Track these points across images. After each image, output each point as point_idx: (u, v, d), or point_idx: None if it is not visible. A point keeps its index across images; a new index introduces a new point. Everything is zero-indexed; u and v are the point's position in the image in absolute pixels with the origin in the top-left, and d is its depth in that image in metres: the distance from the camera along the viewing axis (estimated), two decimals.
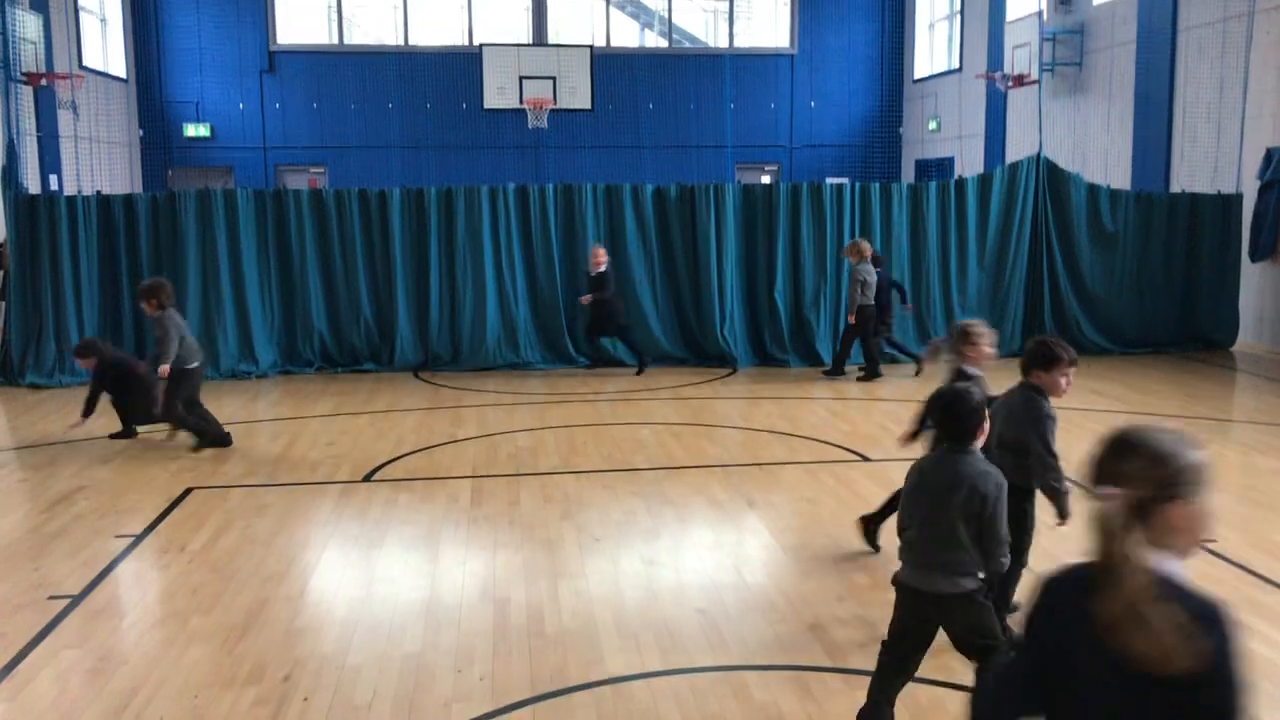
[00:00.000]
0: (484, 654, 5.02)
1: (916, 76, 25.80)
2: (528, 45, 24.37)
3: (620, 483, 7.99)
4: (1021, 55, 19.62)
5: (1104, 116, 18.44)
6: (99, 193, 13.17)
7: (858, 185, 13.77)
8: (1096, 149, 18.55)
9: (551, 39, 25.23)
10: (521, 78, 22.37)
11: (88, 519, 7.16)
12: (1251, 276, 14.40)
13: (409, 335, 13.19)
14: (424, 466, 8.55)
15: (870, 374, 12.27)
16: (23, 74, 17.35)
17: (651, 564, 6.27)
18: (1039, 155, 14.09)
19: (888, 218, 13.69)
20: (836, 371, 12.56)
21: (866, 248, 12.20)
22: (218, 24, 24.22)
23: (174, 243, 12.83)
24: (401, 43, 25.31)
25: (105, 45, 22.97)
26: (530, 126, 22.68)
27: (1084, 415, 9.85)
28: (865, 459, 8.67)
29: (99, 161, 21.32)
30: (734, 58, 26.03)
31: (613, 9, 26.08)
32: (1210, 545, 6.36)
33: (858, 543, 6.51)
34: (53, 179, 19.36)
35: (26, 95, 18.14)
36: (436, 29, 25.42)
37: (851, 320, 12.22)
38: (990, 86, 21.33)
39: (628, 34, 26.59)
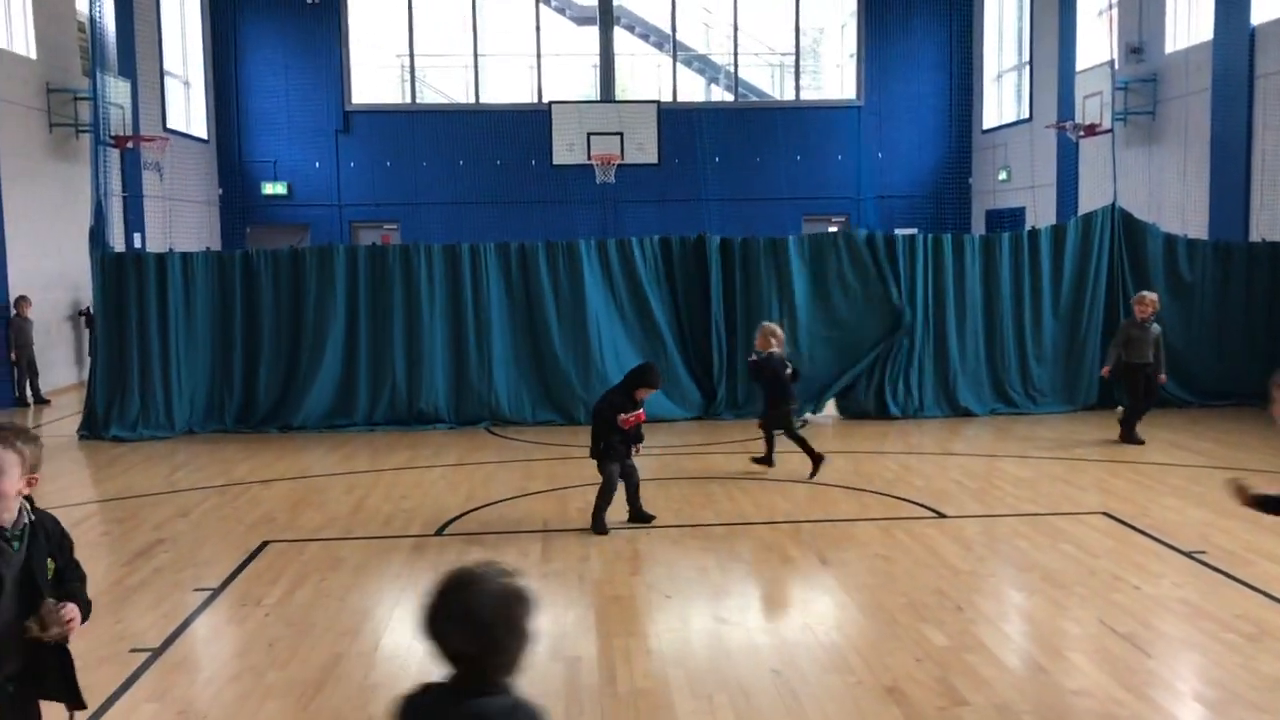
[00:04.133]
0: (556, 713, 4.98)
1: (986, 126, 25.68)
2: (595, 102, 24.72)
3: (689, 538, 7.95)
4: (1093, 104, 19.45)
5: (1179, 165, 18.16)
6: (208, 250, 13.53)
7: (930, 236, 13.68)
8: (1171, 198, 18.25)
9: (619, 95, 25.56)
10: (590, 134, 22.66)
11: (167, 572, 7.28)
12: None
13: (482, 388, 13.25)
14: (495, 520, 8.57)
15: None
16: (110, 137, 17.98)
17: (723, 622, 6.20)
18: (1114, 205, 13.90)
19: (960, 269, 13.57)
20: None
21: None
22: (295, 85, 24.93)
23: (294, 298, 13.12)
24: (472, 101, 25.81)
25: (189, 107, 23.74)
26: (598, 182, 22.93)
27: (1166, 470, 9.60)
28: (940, 515, 8.52)
29: (181, 220, 21.94)
30: (800, 110, 26.13)
31: (679, 65, 26.37)
32: None
33: (934, 601, 6.39)
34: (137, 237, 19.96)
35: (114, 157, 18.78)
36: (506, 87, 25.91)
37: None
38: (1061, 136, 21.15)
39: (694, 89, 26.85)
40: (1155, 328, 11.36)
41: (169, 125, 22.14)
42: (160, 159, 21.01)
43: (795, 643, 5.84)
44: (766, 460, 10.26)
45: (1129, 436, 11.24)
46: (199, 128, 24.26)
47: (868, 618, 6.24)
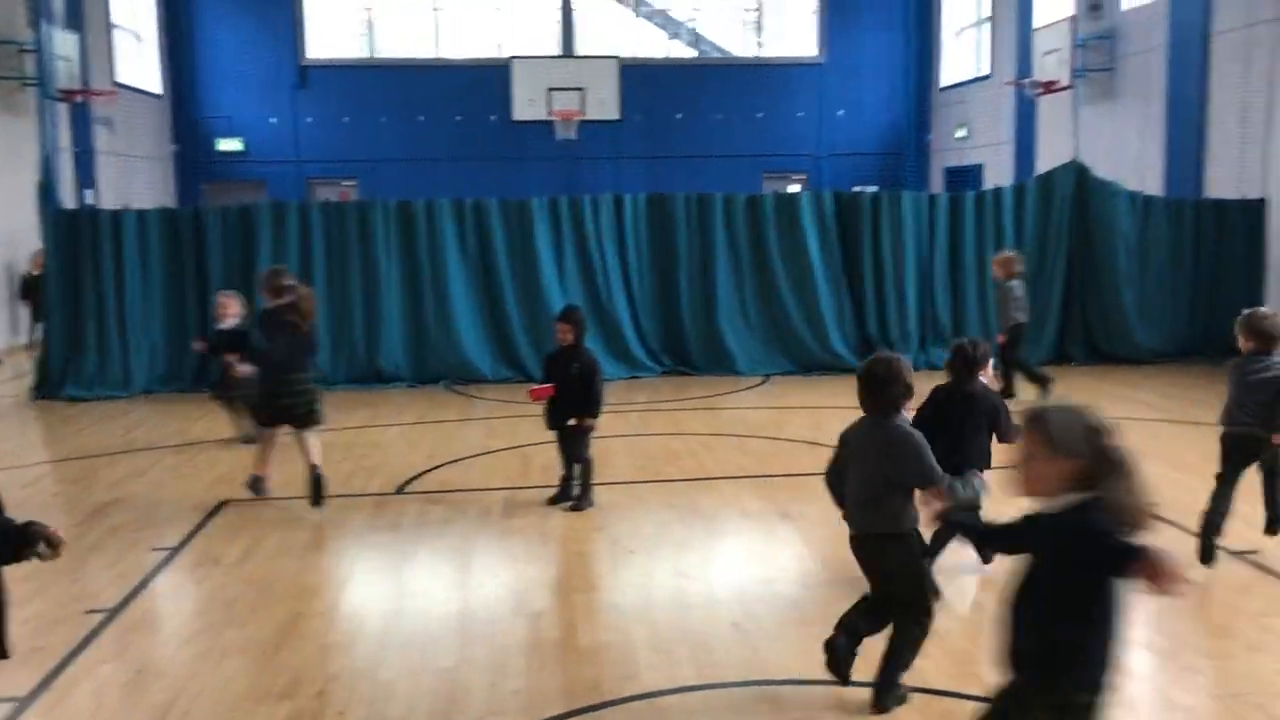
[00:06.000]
0: (518, 668, 5.01)
1: (944, 84, 25.70)
2: (556, 57, 24.48)
3: (652, 494, 7.97)
4: (1051, 61, 19.50)
5: (1137, 122, 18.28)
6: (163, 207, 13.33)
7: (908, 195, 13.76)
8: (1129, 155, 18.38)
9: (580, 50, 25.32)
10: (550, 89, 22.44)
11: (123, 532, 7.21)
12: None
13: (441, 346, 13.18)
14: (456, 478, 8.56)
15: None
16: (58, 91, 17.58)
17: (685, 577, 6.24)
18: (1074, 163, 13.98)
19: (932, 229, 13.65)
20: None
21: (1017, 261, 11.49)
22: (250, 39, 24.47)
23: (247, 257, 12.89)
24: (432, 55, 25.47)
25: (140, 61, 23.24)
26: (558, 138, 22.75)
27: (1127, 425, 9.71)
28: None
29: (134, 176, 21.56)
30: (761, 67, 26.02)
31: (640, 20, 26.14)
32: (1254, 557, 6.27)
33: None
34: (89, 194, 19.60)
35: (62, 112, 18.38)
36: (467, 41, 25.58)
37: (1002, 340, 11.27)
38: (1020, 93, 21.20)
39: (655, 44, 26.64)
40: (1010, 286, 11.21)
41: (119, 79, 21.68)
42: (111, 114, 20.60)
43: (755, 596, 5.89)
44: None
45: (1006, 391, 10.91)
46: (151, 82, 23.78)
47: (827, 570, 6.30)
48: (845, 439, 4.73)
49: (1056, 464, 2.92)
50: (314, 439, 7.75)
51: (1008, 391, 11.14)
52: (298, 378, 7.70)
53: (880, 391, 4.51)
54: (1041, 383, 11.07)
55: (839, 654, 4.55)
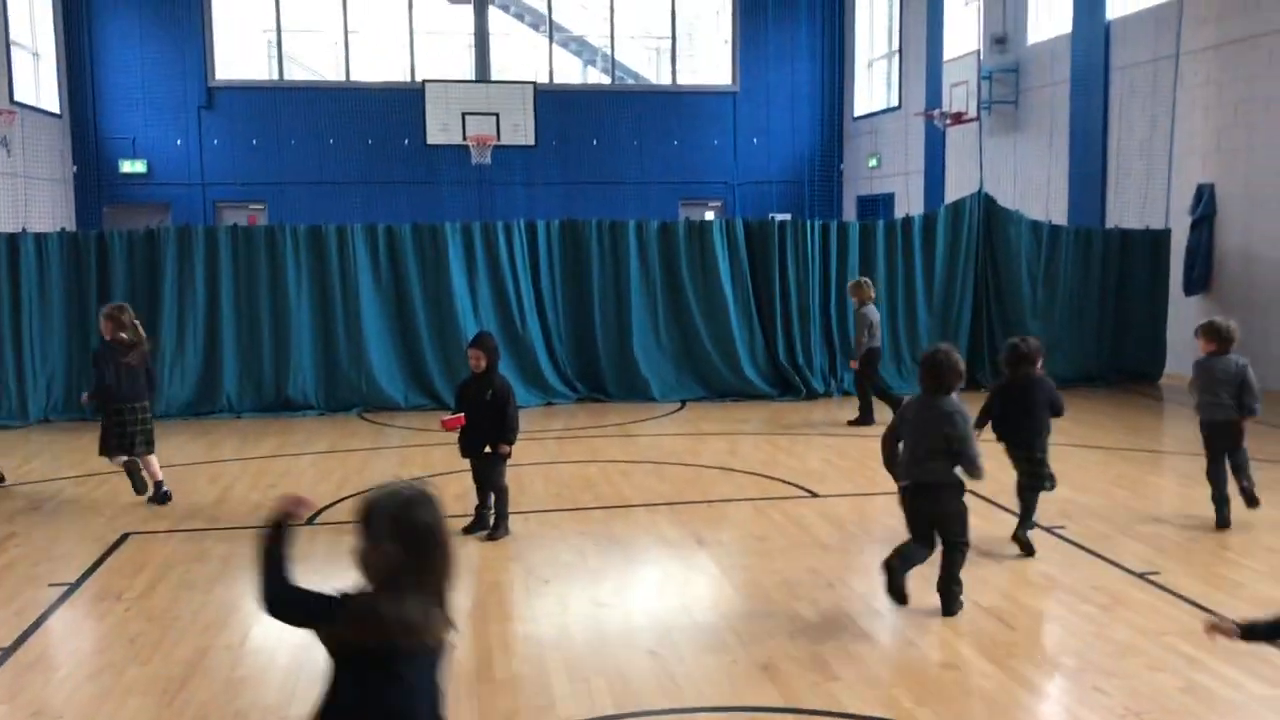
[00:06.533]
0: None
1: (857, 114, 26.17)
2: (470, 81, 24.36)
3: (568, 522, 7.92)
4: (960, 93, 19.98)
5: (1041, 154, 18.81)
6: (63, 230, 12.99)
7: (819, 224, 13.94)
8: (1034, 186, 18.90)
9: (495, 75, 25.26)
10: (464, 114, 22.32)
11: (19, 567, 6.94)
12: (1186, 308, 14.70)
13: (353, 374, 12.99)
14: None
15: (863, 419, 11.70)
16: None
17: (601, 605, 6.20)
18: (980, 192, 14.32)
19: (844, 257, 13.86)
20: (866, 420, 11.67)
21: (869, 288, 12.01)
22: (154, 59, 23.92)
23: (151, 282, 12.69)
24: (343, 78, 25.20)
25: (38, 80, 22.59)
26: (474, 163, 22.63)
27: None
28: (813, 494, 8.68)
29: (32, 198, 20.92)
30: (676, 95, 26.23)
31: (556, 46, 26.20)
32: (1155, 579, 6.44)
33: (808, 579, 6.50)
34: None
35: None
36: (378, 65, 25.35)
37: (855, 365, 11.88)
38: (929, 124, 21.68)
39: (571, 71, 26.71)
40: (864, 312, 11.67)
41: (16, 98, 21.03)
42: (8, 133, 19.97)
43: (672, 624, 5.87)
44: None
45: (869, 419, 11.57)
46: (50, 101, 23.10)
47: (743, 596, 6.31)
48: (904, 413, 6.07)
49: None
50: (154, 460, 8.54)
51: (865, 417, 11.41)
52: (138, 407, 8.32)
53: (939, 376, 5.82)
54: (895, 405, 11.32)
55: (896, 576, 5.77)
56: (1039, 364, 7.15)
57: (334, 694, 2.82)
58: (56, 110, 23.31)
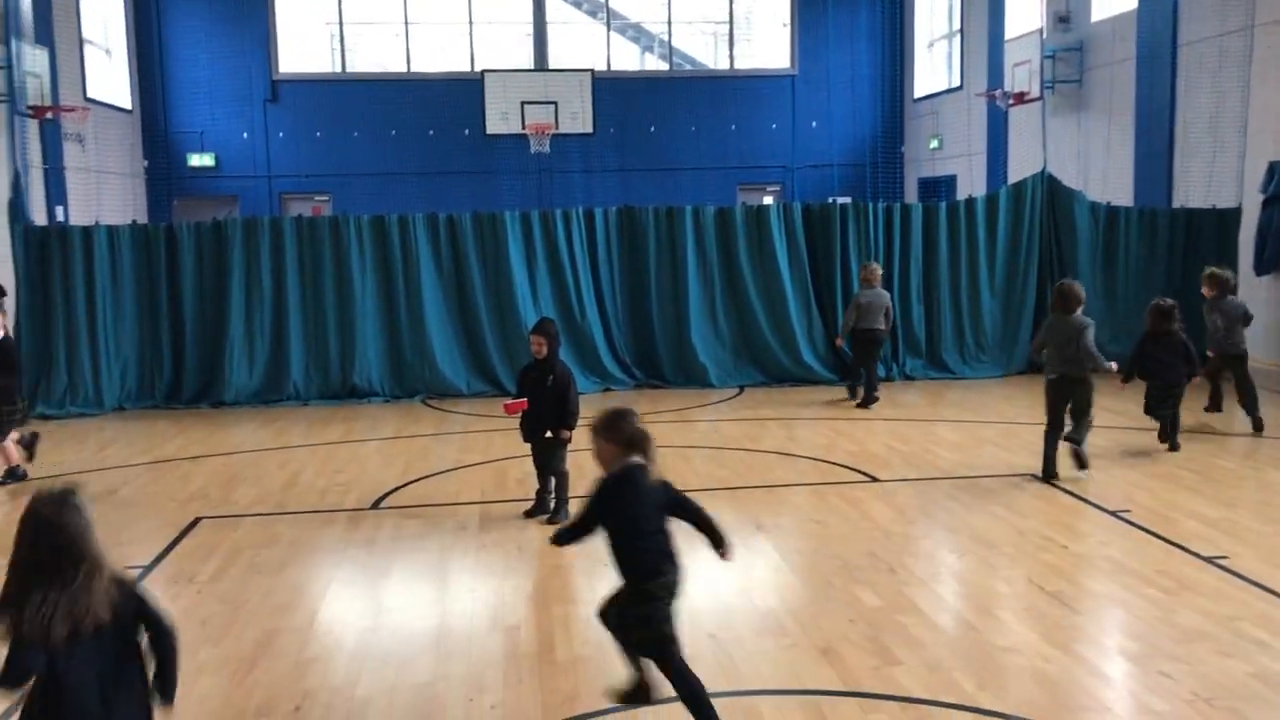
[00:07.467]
0: (495, 683, 5.00)
1: (917, 95, 25.87)
2: (529, 70, 24.49)
3: None
4: (1022, 73, 19.67)
5: (1105, 133, 18.46)
6: (134, 222, 13.27)
7: (882, 206, 13.83)
8: (1098, 166, 18.56)
9: (553, 64, 25.35)
10: (523, 103, 22.46)
11: None
12: (1257, 290, 14.35)
13: (416, 361, 13.15)
14: (432, 493, 8.54)
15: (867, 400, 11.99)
16: (28, 107, 17.46)
17: None
18: (1043, 173, 14.10)
19: (906, 240, 13.73)
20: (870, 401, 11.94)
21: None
22: (221, 54, 24.36)
23: (218, 273, 12.92)
24: (404, 69, 25.45)
25: (110, 77, 23.11)
26: (532, 151, 22.76)
27: (1091, 433, 9.78)
28: (874, 479, 8.64)
29: (105, 192, 21.41)
30: (734, 79, 26.13)
31: (613, 33, 26.22)
32: (1224, 563, 6.34)
33: (867, 564, 6.49)
34: (59, 210, 19.44)
35: (32, 128, 18.25)
36: (439, 56, 25.56)
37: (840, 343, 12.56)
38: (991, 105, 21.38)
39: (628, 58, 26.71)
40: (880, 295, 11.97)
41: (90, 95, 21.52)
42: (82, 130, 20.46)
43: (731, 607, 5.90)
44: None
45: (867, 401, 11.87)
46: (122, 98, 23.62)
47: (802, 581, 6.32)
48: (1046, 327, 8.58)
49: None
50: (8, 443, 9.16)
51: (866, 397, 11.95)
52: None
53: (1068, 299, 8.39)
54: (854, 385, 12.27)
55: (1079, 445, 8.32)
56: (1177, 321, 9.29)
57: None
58: (128, 106, 23.83)
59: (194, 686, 4.99)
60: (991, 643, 5.33)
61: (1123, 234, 14.10)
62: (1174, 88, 16.38)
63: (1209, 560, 6.41)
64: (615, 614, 4.45)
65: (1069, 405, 8.31)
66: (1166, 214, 14.45)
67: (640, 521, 4.35)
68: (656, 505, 4.40)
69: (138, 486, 8.99)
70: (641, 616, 4.33)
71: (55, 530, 3.37)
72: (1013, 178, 19.43)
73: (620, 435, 4.39)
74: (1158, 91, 16.61)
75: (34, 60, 17.93)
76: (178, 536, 7.44)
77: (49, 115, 18.44)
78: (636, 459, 4.37)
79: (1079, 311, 8.29)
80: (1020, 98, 19.68)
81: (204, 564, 6.83)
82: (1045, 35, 19.20)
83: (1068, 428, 8.42)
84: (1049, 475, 8.31)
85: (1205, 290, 10.75)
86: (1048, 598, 5.88)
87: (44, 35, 18.93)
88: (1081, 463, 8.37)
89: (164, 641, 3.53)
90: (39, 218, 17.06)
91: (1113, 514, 7.44)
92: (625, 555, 4.36)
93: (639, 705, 4.53)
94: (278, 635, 5.62)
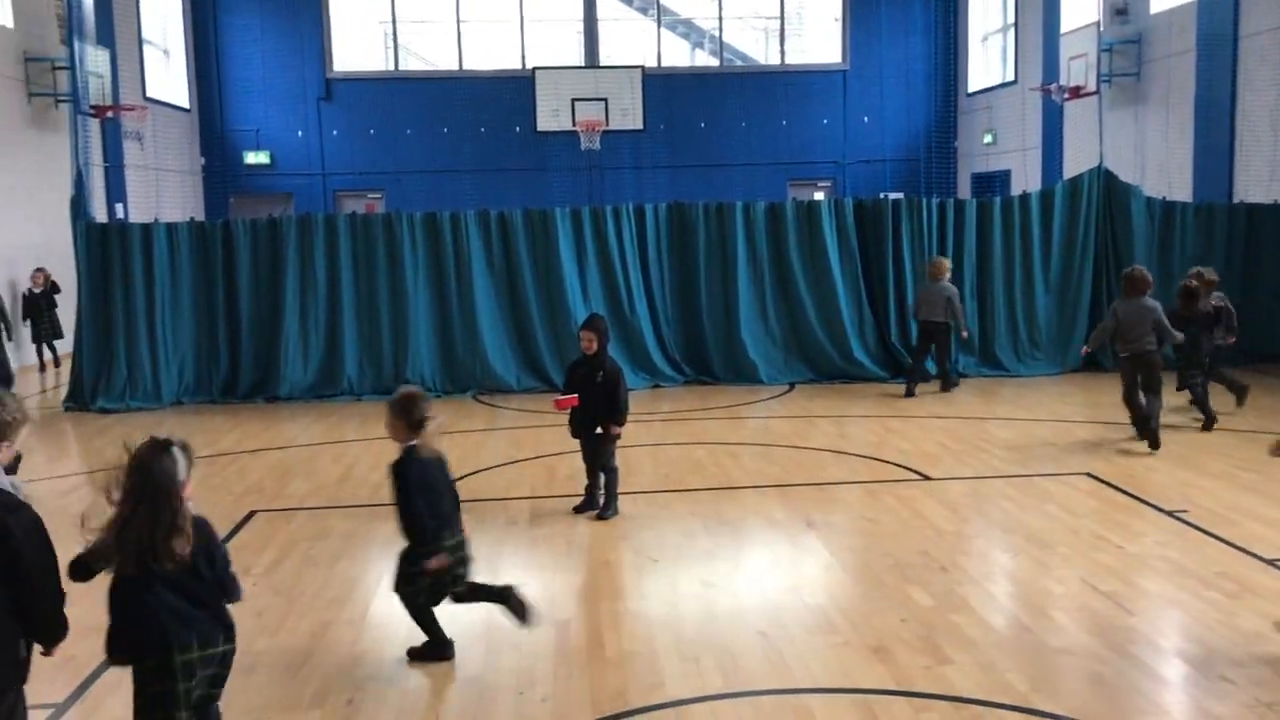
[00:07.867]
0: (545, 676, 5.02)
1: (971, 89, 25.61)
2: (580, 67, 24.55)
3: (677, 503, 7.98)
4: (1078, 66, 19.40)
5: (1163, 127, 18.16)
6: (192, 219, 13.45)
7: (936, 201, 13.72)
8: (1156, 160, 18.26)
9: (603, 61, 25.40)
10: (574, 100, 22.53)
11: None
12: None
13: (468, 357, 13.23)
14: (483, 487, 8.59)
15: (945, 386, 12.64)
16: (90, 107, 17.80)
17: (710, 586, 6.24)
18: (1099, 167, 13.89)
19: (960, 235, 13.60)
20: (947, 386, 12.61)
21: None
22: (276, 53, 24.70)
23: (274, 269, 13.07)
24: (456, 67, 25.62)
25: (169, 77, 23.50)
26: (583, 148, 22.82)
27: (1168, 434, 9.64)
28: (926, 478, 8.57)
29: (163, 190, 21.79)
30: (786, 75, 26.02)
31: (664, 30, 26.20)
32: None
33: (919, 562, 6.44)
34: (119, 208, 19.82)
35: (94, 127, 18.60)
36: (490, 53, 25.71)
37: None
38: (1046, 99, 21.10)
39: (679, 54, 26.69)
40: (946, 288, 12.24)
41: (149, 94, 21.93)
42: (141, 128, 20.84)
43: (782, 605, 5.88)
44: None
45: (945, 385, 12.56)
46: (180, 97, 24.04)
47: (854, 579, 6.29)
48: (1115, 310, 9.26)
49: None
50: None
51: (943, 384, 12.54)
52: None
53: (1137, 284, 9.12)
54: (912, 377, 12.49)
55: (1151, 422, 9.07)
56: (1200, 297, 9.86)
57: None
58: (186, 105, 24.24)
59: (249, 677, 5.07)
60: (1045, 643, 5.27)
61: (1179, 230, 13.84)
62: (1234, 80, 16.09)
63: (1270, 563, 6.29)
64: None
65: (1140, 380, 9.17)
66: (1225, 209, 14.18)
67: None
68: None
69: (194, 479, 9.11)
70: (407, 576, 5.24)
71: (147, 471, 3.93)
72: (1068, 173, 19.17)
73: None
74: (1218, 84, 16.31)
75: (96, 61, 18.29)
76: (234, 529, 7.55)
77: (110, 114, 18.82)
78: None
79: (1148, 294, 9.13)
80: (1076, 91, 19.41)
81: (259, 556, 6.93)
82: (1102, 28, 18.93)
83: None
84: (1142, 427, 9.18)
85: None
86: (1102, 598, 5.80)
87: (105, 36, 19.30)
88: (1154, 442, 9.03)
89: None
90: (100, 215, 17.40)
91: (1170, 514, 7.32)
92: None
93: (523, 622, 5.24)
94: (331, 627, 5.69)
